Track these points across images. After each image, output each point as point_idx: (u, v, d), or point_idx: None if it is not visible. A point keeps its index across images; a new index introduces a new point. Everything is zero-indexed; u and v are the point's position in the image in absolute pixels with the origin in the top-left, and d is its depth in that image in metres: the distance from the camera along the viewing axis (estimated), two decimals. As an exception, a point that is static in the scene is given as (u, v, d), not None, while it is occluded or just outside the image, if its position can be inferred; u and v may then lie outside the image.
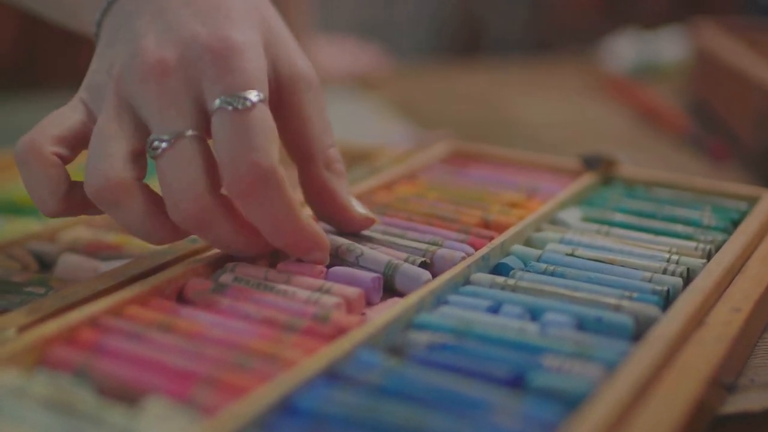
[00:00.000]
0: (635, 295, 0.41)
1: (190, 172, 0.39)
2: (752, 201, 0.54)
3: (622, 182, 0.58)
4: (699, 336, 0.38)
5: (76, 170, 0.43)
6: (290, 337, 0.37)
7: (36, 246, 0.50)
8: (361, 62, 1.16)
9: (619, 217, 0.51)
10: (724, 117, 0.89)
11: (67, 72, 0.95)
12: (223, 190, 0.40)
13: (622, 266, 0.45)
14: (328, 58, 1.10)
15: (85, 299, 0.40)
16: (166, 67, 0.40)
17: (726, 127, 0.88)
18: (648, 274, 0.44)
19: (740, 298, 0.42)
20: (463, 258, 0.44)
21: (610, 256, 0.45)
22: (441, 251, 0.44)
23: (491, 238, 0.47)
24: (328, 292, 0.41)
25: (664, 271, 0.44)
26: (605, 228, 0.50)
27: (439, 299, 0.41)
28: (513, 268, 0.45)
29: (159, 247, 0.46)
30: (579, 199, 0.54)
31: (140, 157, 0.41)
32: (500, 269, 0.45)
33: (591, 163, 0.58)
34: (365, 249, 0.44)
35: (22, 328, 0.38)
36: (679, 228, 0.50)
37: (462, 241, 0.46)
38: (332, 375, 0.35)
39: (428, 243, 0.46)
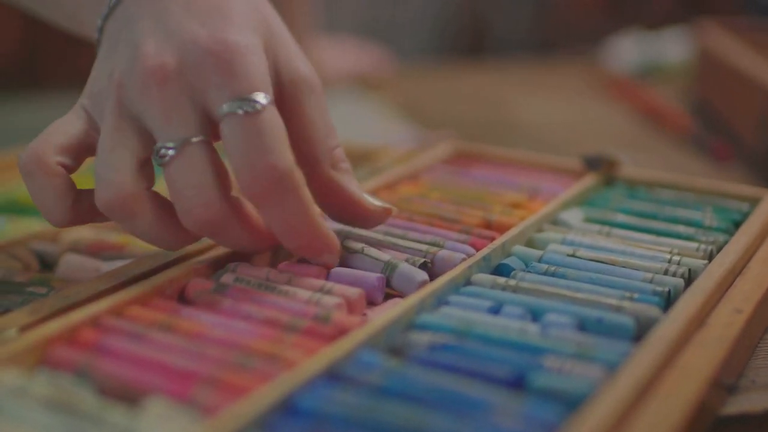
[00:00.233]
0: (636, 295, 0.41)
1: (199, 178, 0.39)
2: (754, 202, 0.54)
3: (623, 183, 0.58)
4: (700, 337, 0.38)
5: (81, 174, 0.43)
6: (291, 338, 0.37)
7: (38, 246, 0.50)
8: (363, 63, 1.16)
9: (620, 217, 0.51)
10: (726, 118, 0.89)
11: (68, 73, 0.95)
12: (234, 193, 0.40)
13: (624, 267, 0.45)
14: (331, 58, 1.10)
15: (86, 299, 0.40)
16: (167, 73, 0.39)
17: (728, 127, 0.88)
18: (649, 275, 0.44)
19: (741, 300, 0.42)
20: (464, 259, 0.44)
21: (612, 257, 0.45)
22: (441, 252, 0.44)
23: (492, 239, 0.47)
24: (329, 292, 0.41)
25: (666, 272, 0.44)
26: (606, 229, 0.50)
27: (440, 300, 0.41)
28: (514, 269, 0.45)
29: (161, 248, 0.46)
30: (581, 200, 0.54)
31: (147, 165, 0.41)
32: (501, 270, 0.45)
33: (593, 163, 0.58)
34: (366, 247, 0.44)
35: (24, 328, 0.38)
36: (681, 229, 0.50)
37: (463, 242, 0.47)
38: (333, 375, 0.35)
39: (429, 243, 0.46)
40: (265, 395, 0.32)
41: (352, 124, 0.91)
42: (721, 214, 0.52)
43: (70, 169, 0.42)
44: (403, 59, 1.39)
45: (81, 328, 0.38)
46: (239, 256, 0.44)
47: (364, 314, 0.41)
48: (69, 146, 0.42)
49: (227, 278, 0.42)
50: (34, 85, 0.95)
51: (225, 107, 0.39)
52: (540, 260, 0.46)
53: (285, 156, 0.39)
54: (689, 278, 0.44)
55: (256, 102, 0.39)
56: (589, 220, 0.52)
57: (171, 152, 0.39)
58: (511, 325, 0.39)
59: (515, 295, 0.42)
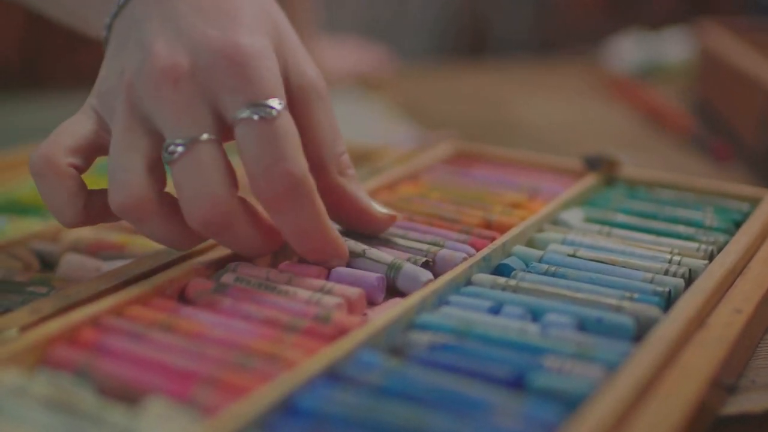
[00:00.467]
0: (636, 295, 0.41)
1: (207, 177, 0.39)
2: (755, 202, 0.54)
3: (624, 183, 0.58)
4: (700, 337, 0.38)
5: (90, 174, 0.43)
6: (291, 338, 0.37)
7: (39, 245, 0.50)
8: (364, 63, 1.16)
9: (621, 217, 0.51)
10: (727, 118, 0.89)
11: (68, 73, 0.95)
12: (241, 193, 0.40)
13: (624, 267, 0.45)
14: (332, 58, 1.10)
15: (86, 299, 0.40)
16: (179, 73, 0.39)
17: (729, 127, 0.88)
18: (649, 275, 0.43)
19: (742, 300, 0.42)
20: (465, 259, 0.44)
21: (612, 257, 0.45)
22: (442, 252, 0.44)
23: (493, 239, 0.47)
24: (329, 292, 0.41)
25: (666, 272, 0.44)
26: (607, 229, 0.50)
27: (440, 300, 0.41)
28: (514, 269, 0.45)
29: (161, 247, 0.46)
30: (581, 200, 0.54)
31: (159, 166, 0.41)
32: (501, 270, 0.45)
33: (593, 163, 0.58)
34: (368, 249, 0.44)
35: (24, 328, 0.38)
36: (681, 229, 0.50)
37: (463, 242, 0.47)
38: (333, 375, 0.35)
39: (429, 243, 0.46)
40: (265, 395, 0.32)
41: (352, 124, 0.91)
42: (721, 214, 0.52)
43: (80, 170, 0.42)
44: (404, 59, 1.39)
45: (81, 328, 0.38)
46: (240, 257, 0.44)
47: (364, 314, 0.41)
48: (79, 147, 0.42)
49: (227, 278, 0.42)
50: (35, 85, 0.95)
51: (240, 112, 0.39)
52: (540, 260, 0.46)
53: (300, 162, 0.39)
54: (689, 278, 0.44)
55: (271, 108, 0.39)
56: (589, 220, 0.52)
57: (180, 149, 0.39)
58: (511, 325, 0.39)
59: (515, 295, 0.42)
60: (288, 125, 0.39)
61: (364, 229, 0.46)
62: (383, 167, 0.60)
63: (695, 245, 0.48)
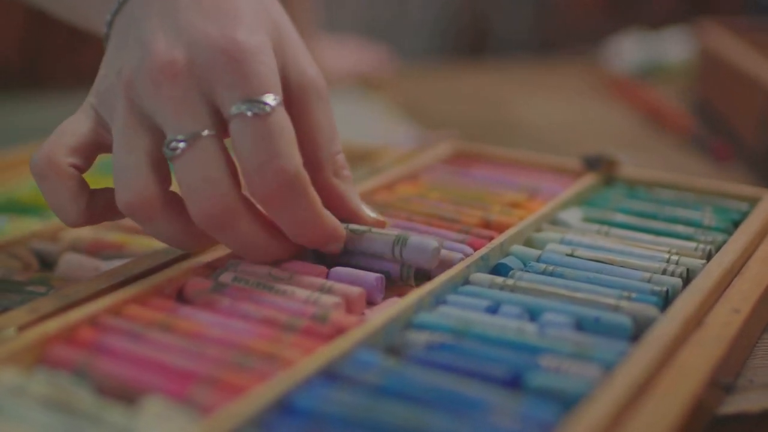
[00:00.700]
0: (634, 295, 0.41)
1: (210, 172, 0.39)
2: (753, 201, 0.54)
3: (623, 183, 0.58)
4: (698, 336, 0.38)
5: (90, 173, 0.43)
6: (289, 337, 0.37)
7: (38, 245, 0.50)
8: (364, 62, 1.16)
9: (619, 217, 0.51)
10: (727, 118, 0.89)
11: (68, 73, 0.95)
12: (244, 191, 0.41)
13: (622, 267, 0.45)
14: (332, 58, 1.10)
15: (85, 298, 0.40)
16: (178, 69, 0.39)
17: (729, 127, 0.88)
18: (647, 275, 0.44)
19: (740, 299, 0.42)
20: (462, 258, 0.44)
21: (610, 257, 0.45)
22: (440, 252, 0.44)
23: (491, 239, 0.47)
24: (328, 291, 0.41)
25: (664, 272, 0.44)
26: (605, 228, 0.50)
27: (438, 299, 0.41)
28: (512, 269, 0.45)
29: (160, 247, 0.46)
30: (580, 200, 0.54)
31: (163, 164, 0.41)
32: (499, 269, 0.45)
33: (592, 163, 0.58)
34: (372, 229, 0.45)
35: (22, 327, 0.38)
36: (680, 228, 0.50)
37: (462, 242, 0.47)
38: (331, 375, 0.35)
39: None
40: (262, 394, 0.33)
41: (352, 124, 0.91)
42: (720, 214, 0.52)
43: (82, 169, 0.42)
44: (404, 59, 1.39)
45: (79, 328, 0.38)
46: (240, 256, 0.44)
47: (362, 313, 0.41)
48: (79, 147, 0.42)
49: (226, 277, 0.42)
50: (35, 85, 0.95)
51: (234, 108, 0.39)
52: (538, 260, 0.46)
53: (293, 158, 0.39)
54: (687, 278, 0.44)
55: (265, 104, 0.39)
56: (588, 219, 0.52)
57: (182, 145, 0.39)
58: (508, 325, 0.39)
59: (513, 294, 0.42)
60: (282, 121, 0.39)
61: None
62: (382, 167, 0.60)
63: (693, 245, 0.48)
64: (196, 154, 0.39)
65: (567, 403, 0.33)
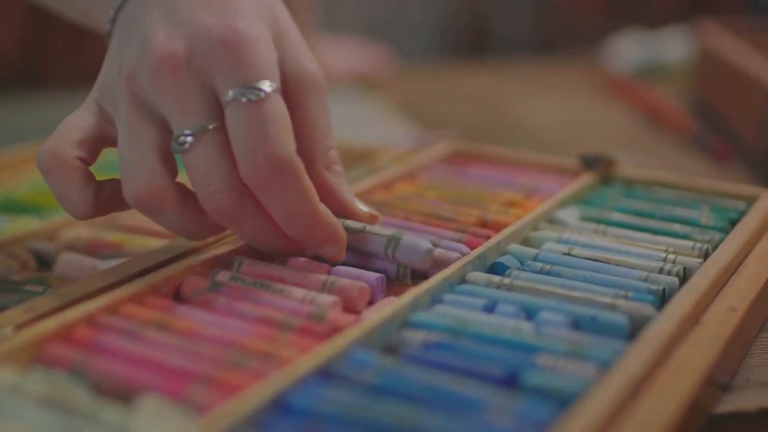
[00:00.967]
0: (631, 294, 0.41)
1: (219, 163, 0.39)
2: (751, 201, 0.54)
3: (621, 182, 0.58)
4: (694, 335, 0.38)
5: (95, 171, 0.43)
6: (286, 336, 0.37)
7: (36, 244, 0.50)
8: (364, 62, 1.16)
9: (617, 216, 0.51)
10: (727, 117, 0.89)
11: (68, 73, 0.95)
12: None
13: (619, 266, 0.45)
14: (332, 58, 1.10)
15: (82, 297, 0.40)
16: (178, 61, 0.40)
17: (729, 127, 0.87)
18: (644, 274, 0.44)
19: (736, 298, 0.42)
20: (459, 258, 0.44)
21: (607, 256, 0.45)
22: (437, 251, 0.44)
23: (488, 238, 0.47)
24: (330, 289, 0.41)
25: (660, 271, 0.44)
26: (602, 227, 0.50)
27: (434, 298, 0.41)
28: (509, 267, 0.45)
29: (157, 246, 0.46)
30: (578, 199, 0.54)
31: (168, 155, 0.41)
32: (496, 268, 0.45)
33: (590, 162, 0.58)
34: (367, 225, 0.45)
35: (19, 326, 0.38)
36: (677, 227, 0.50)
37: (458, 241, 0.47)
38: (327, 374, 0.35)
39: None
40: (258, 393, 0.33)
41: (352, 124, 0.91)
42: (717, 213, 0.52)
43: (87, 162, 0.42)
44: (404, 59, 1.39)
45: (76, 326, 0.38)
46: (241, 252, 0.45)
47: (358, 312, 0.41)
48: (84, 140, 0.42)
49: (222, 277, 0.42)
50: (35, 85, 0.95)
51: (230, 94, 0.39)
52: (535, 259, 0.46)
53: (286, 144, 0.39)
54: (684, 277, 0.44)
55: (260, 90, 0.39)
56: (585, 218, 0.52)
57: (190, 139, 0.40)
58: (505, 324, 0.39)
59: (509, 293, 0.42)
60: (277, 108, 0.39)
61: None
62: (380, 166, 0.60)
63: (690, 244, 0.48)
64: (204, 146, 0.40)
65: (563, 401, 0.33)
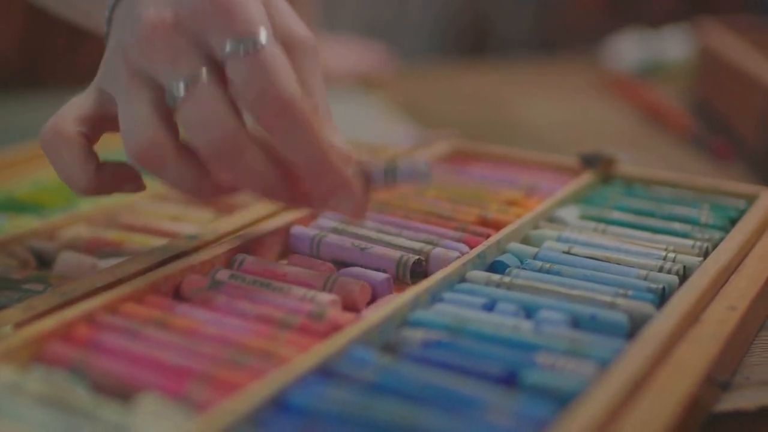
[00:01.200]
0: (630, 292, 0.41)
1: (213, 109, 0.39)
2: (751, 199, 0.54)
3: (621, 181, 0.58)
4: (694, 333, 0.38)
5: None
6: (285, 334, 0.37)
7: (35, 243, 0.50)
8: (365, 62, 1.16)
9: (617, 215, 0.51)
10: (727, 117, 0.89)
11: (68, 73, 0.95)
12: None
13: (619, 264, 0.45)
14: (332, 57, 1.10)
15: (81, 296, 0.40)
16: (167, 24, 0.40)
17: (729, 126, 0.87)
18: (644, 272, 0.44)
19: (736, 297, 0.42)
20: (459, 256, 0.44)
21: (607, 254, 0.45)
22: (436, 250, 0.44)
23: (488, 236, 0.47)
24: (332, 287, 0.41)
25: (660, 269, 0.44)
26: (602, 226, 0.50)
27: (434, 297, 0.41)
28: (509, 266, 0.45)
29: (157, 245, 0.46)
30: (578, 198, 0.54)
31: (168, 116, 0.41)
32: (496, 267, 0.45)
33: (590, 161, 0.58)
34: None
35: (18, 325, 0.38)
36: (677, 226, 0.50)
37: (458, 240, 0.47)
38: (326, 372, 0.35)
39: (423, 242, 0.46)
40: (257, 391, 0.33)
41: (352, 123, 0.91)
42: (717, 212, 0.52)
43: (89, 138, 0.42)
44: (404, 59, 1.39)
45: (75, 325, 0.38)
46: (244, 251, 0.44)
47: (358, 311, 0.41)
48: (86, 116, 0.42)
49: (222, 275, 0.42)
50: (35, 85, 0.95)
51: (228, 48, 0.39)
52: (535, 257, 0.46)
53: (291, 85, 0.39)
54: (684, 275, 0.44)
55: (256, 41, 0.39)
56: (585, 217, 0.52)
57: (182, 90, 0.40)
58: (504, 322, 0.39)
59: (509, 292, 0.42)
60: (275, 54, 0.40)
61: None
62: (380, 166, 0.60)
63: (690, 242, 0.48)
64: (197, 95, 0.40)
65: (562, 400, 0.33)
